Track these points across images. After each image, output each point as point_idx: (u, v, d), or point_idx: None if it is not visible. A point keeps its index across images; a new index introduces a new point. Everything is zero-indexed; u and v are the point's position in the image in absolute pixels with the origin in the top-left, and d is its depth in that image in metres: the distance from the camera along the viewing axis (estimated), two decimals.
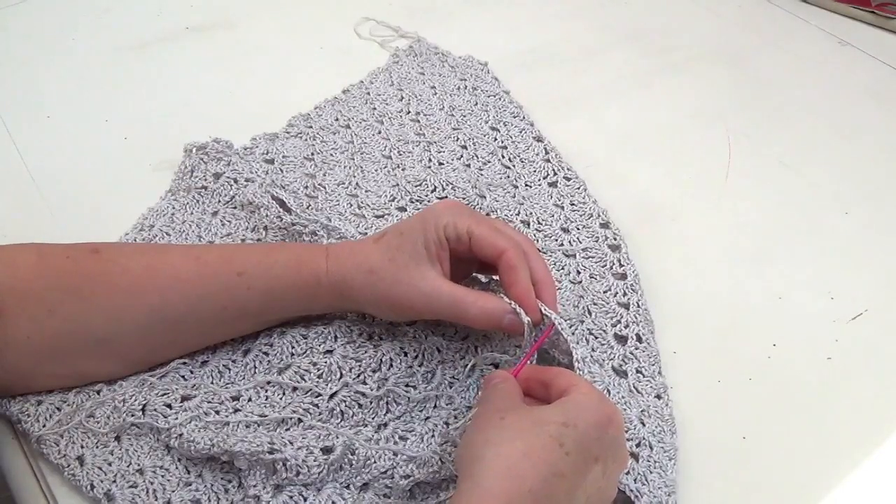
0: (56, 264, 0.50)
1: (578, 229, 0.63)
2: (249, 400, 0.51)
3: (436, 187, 0.66)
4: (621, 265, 0.60)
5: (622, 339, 0.55)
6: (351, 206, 0.65)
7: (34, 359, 0.49)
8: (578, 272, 0.60)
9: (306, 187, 0.66)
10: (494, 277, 0.53)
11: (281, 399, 0.50)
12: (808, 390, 0.54)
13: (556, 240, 0.62)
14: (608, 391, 0.49)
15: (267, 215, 0.61)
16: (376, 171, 0.68)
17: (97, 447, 0.49)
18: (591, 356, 0.53)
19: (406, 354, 0.52)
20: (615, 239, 0.62)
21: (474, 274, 0.53)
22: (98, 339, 0.50)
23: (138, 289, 0.50)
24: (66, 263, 0.50)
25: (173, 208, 0.65)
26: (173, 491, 0.47)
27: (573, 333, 0.53)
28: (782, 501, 0.48)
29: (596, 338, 0.55)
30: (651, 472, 0.46)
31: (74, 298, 0.49)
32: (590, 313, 0.56)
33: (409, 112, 0.75)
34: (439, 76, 0.79)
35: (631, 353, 0.54)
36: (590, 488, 0.41)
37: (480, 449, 0.40)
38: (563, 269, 0.60)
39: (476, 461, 0.40)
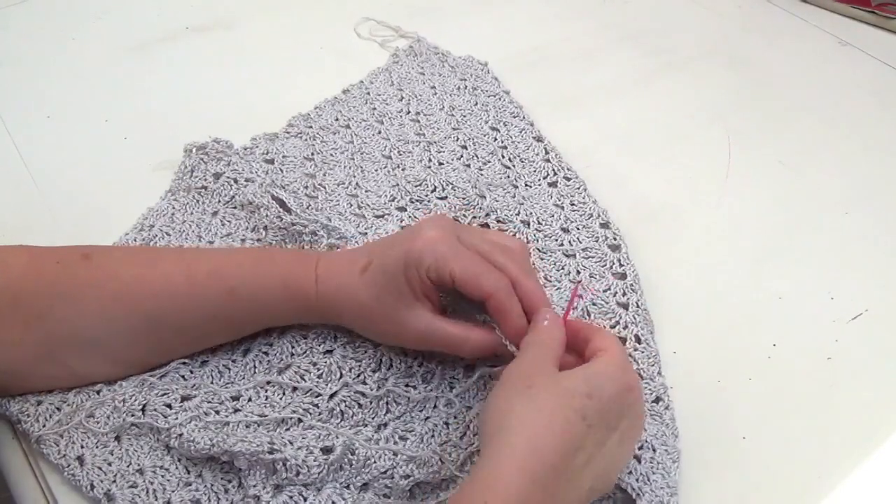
0: (46, 268, 0.50)
1: (578, 229, 0.63)
2: (249, 400, 0.51)
3: (436, 187, 0.65)
4: (621, 265, 0.60)
5: (621, 341, 0.55)
6: (351, 206, 0.65)
7: (28, 360, 0.49)
8: (578, 272, 0.60)
9: (306, 187, 0.66)
10: None
11: (281, 399, 0.50)
12: (808, 390, 0.54)
13: (556, 240, 0.62)
14: None
15: (267, 215, 0.61)
16: (376, 171, 0.68)
17: (97, 447, 0.49)
18: None
19: (406, 354, 0.52)
20: (615, 239, 0.62)
21: None
22: (90, 342, 0.50)
23: (128, 296, 0.50)
24: (55, 268, 0.50)
25: (173, 208, 0.65)
26: (173, 491, 0.47)
27: None
28: (782, 501, 0.48)
29: None
30: (654, 473, 0.46)
31: (64, 303, 0.49)
32: (588, 314, 0.56)
33: (409, 112, 0.75)
34: (439, 76, 0.79)
35: (630, 354, 0.54)
36: (606, 455, 0.42)
37: (506, 418, 0.41)
38: (562, 269, 0.60)
39: (501, 431, 0.40)
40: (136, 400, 0.50)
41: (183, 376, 0.52)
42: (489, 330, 0.49)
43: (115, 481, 0.47)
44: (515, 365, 0.44)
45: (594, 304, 0.57)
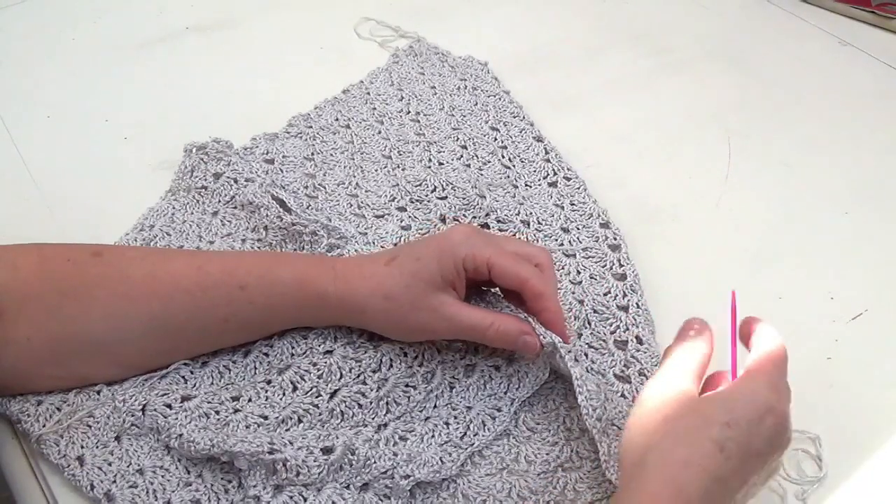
0: (57, 266, 0.50)
1: (578, 229, 0.63)
2: (249, 400, 0.51)
3: (436, 187, 0.65)
4: (621, 265, 0.60)
5: (622, 344, 0.55)
6: (351, 206, 0.65)
7: (33, 360, 0.49)
8: (578, 272, 0.60)
9: (306, 187, 0.66)
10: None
11: (281, 399, 0.50)
12: (808, 390, 0.54)
13: (556, 240, 0.62)
14: (604, 406, 0.48)
15: (267, 215, 0.61)
16: (376, 171, 0.68)
17: (97, 447, 0.49)
18: (592, 368, 0.53)
19: (406, 355, 0.52)
20: (615, 239, 0.62)
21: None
22: (97, 342, 0.50)
23: (138, 295, 0.50)
24: (66, 266, 0.50)
25: (173, 208, 0.65)
26: (173, 491, 0.47)
27: (575, 344, 0.54)
28: (783, 501, 0.48)
29: (596, 349, 0.55)
30: None
31: (74, 301, 0.49)
32: (589, 323, 0.56)
33: (409, 112, 0.75)
34: (439, 76, 0.79)
35: (632, 356, 0.54)
36: (749, 482, 0.41)
37: (644, 454, 0.40)
38: (563, 269, 0.60)
39: (639, 466, 0.40)
40: (136, 400, 0.50)
41: (183, 377, 0.52)
42: (513, 317, 0.50)
43: (115, 481, 0.47)
44: (652, 387, 0.43)
45: (595, 311, 0.57)
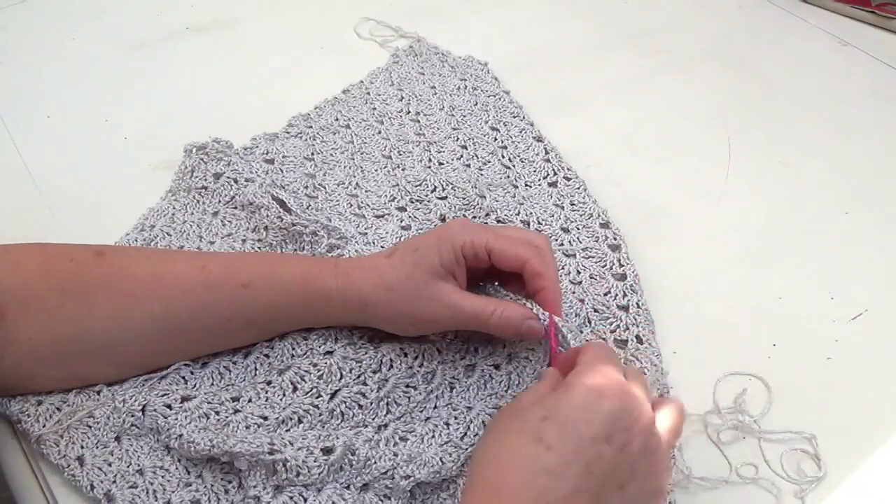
0: (60, 267, 0.50)
1: (578, 229, 0.63)
2: (249, 401, 0.51)
3: (436, 187, 0.65)
4: (621, 265, 0.60)
5: (622, 343, 0.55)
6: (351, 206, 0.65)
7: (35, 360, 0.49)
8: (578, 272, 0.60)
9: (306, 187, 0.66)
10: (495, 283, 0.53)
11: (281, 400, 0.50)
12: (808, 390, 0.54)
13: (556, 240, 0.62)
14: None
15: (267, 215, 0.61)
16: (376, 171, 0.68)
17: (97, 447, 0.49)
18: None
19: (406, 355, 0.52)
20: (615, 239, 0.62)
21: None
22: (99, 343, 0.50)
23: (141, 295, 0.50)
24: (69, 266, 0.50)
25: (174, 208, 0.65)
26: (173, 491, 0.47)
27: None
28: (783, 502, 0.48)
29: None
30: None
31: (76, 301, 0.49)
32: (590, 322, 0.56)
33: (409, 112, 0.75)
34: (439, 76, 0.79)
35: (632, 355, 0.54)
36: (618, 471, 0.39)
37: (472, 462, 0.41)
38: (563, 268, 0.60)
39: (468, 477, 0.41)
40: (136, 400, 0.50)
41: (184, 377, 0.52)
42: (516, 303, 0.49)
43: (115, 482, 0.48)
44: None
45: (595, 310, 0.57)
